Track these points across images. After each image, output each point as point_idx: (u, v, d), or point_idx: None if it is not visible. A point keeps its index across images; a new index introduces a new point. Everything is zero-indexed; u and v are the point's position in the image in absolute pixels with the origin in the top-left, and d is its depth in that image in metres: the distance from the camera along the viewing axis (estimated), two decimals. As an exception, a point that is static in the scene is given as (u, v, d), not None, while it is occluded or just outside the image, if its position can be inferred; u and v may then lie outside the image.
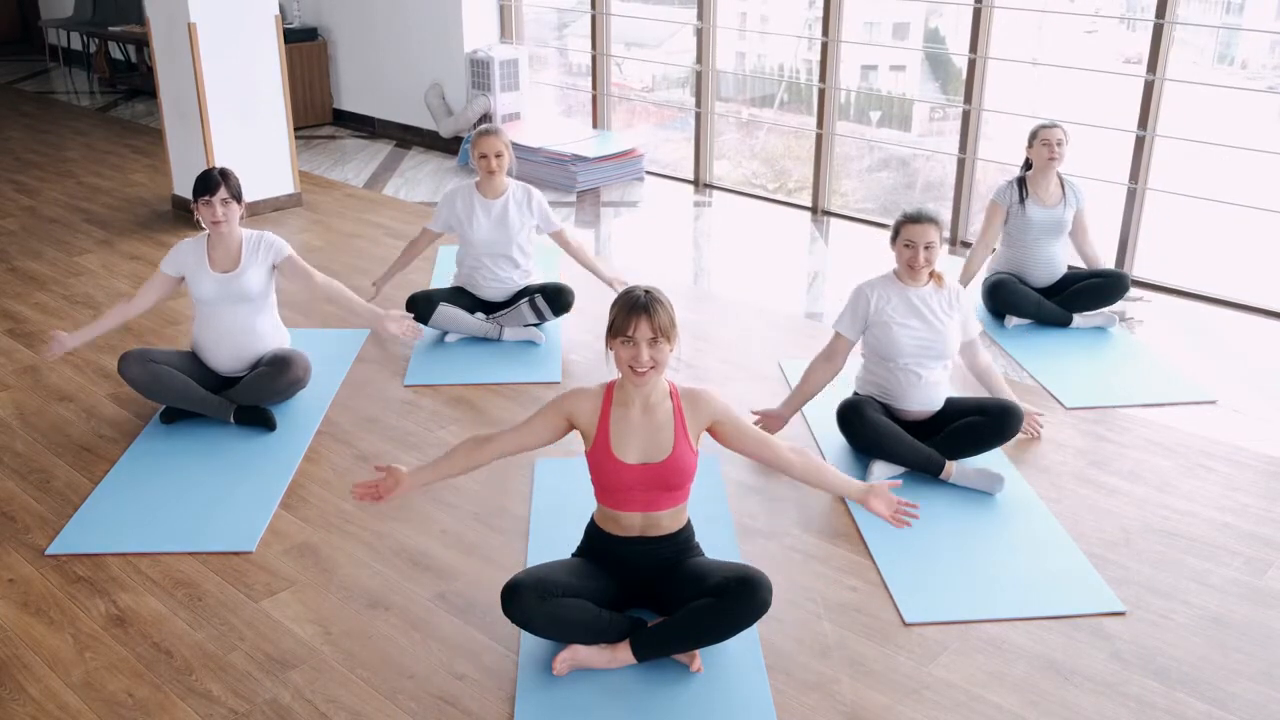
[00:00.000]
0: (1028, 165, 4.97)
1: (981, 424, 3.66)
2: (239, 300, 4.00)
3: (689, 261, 6.03)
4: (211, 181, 3.93)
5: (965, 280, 4.90)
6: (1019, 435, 3.82)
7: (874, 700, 2.73)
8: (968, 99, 5.98)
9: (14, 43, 12.35)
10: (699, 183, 7.28)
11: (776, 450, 2.93)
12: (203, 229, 4.04)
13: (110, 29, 10.20)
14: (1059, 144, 4.84)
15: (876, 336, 3.73)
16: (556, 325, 4.88)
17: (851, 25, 6.57)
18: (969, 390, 4.34)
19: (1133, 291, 5.05)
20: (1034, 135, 4.90)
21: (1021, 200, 4.90)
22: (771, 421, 3.84)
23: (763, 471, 3.74)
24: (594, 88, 7.77)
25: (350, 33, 8.64)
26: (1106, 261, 5.09)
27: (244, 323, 4.04)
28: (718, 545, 3.24)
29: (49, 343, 3.97)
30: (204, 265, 3.99)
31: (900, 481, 3.06)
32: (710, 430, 2.89)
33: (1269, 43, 6.84)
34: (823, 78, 6.51)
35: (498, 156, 4.63)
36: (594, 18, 7.57)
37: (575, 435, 2.91)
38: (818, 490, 3.62)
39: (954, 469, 3.64)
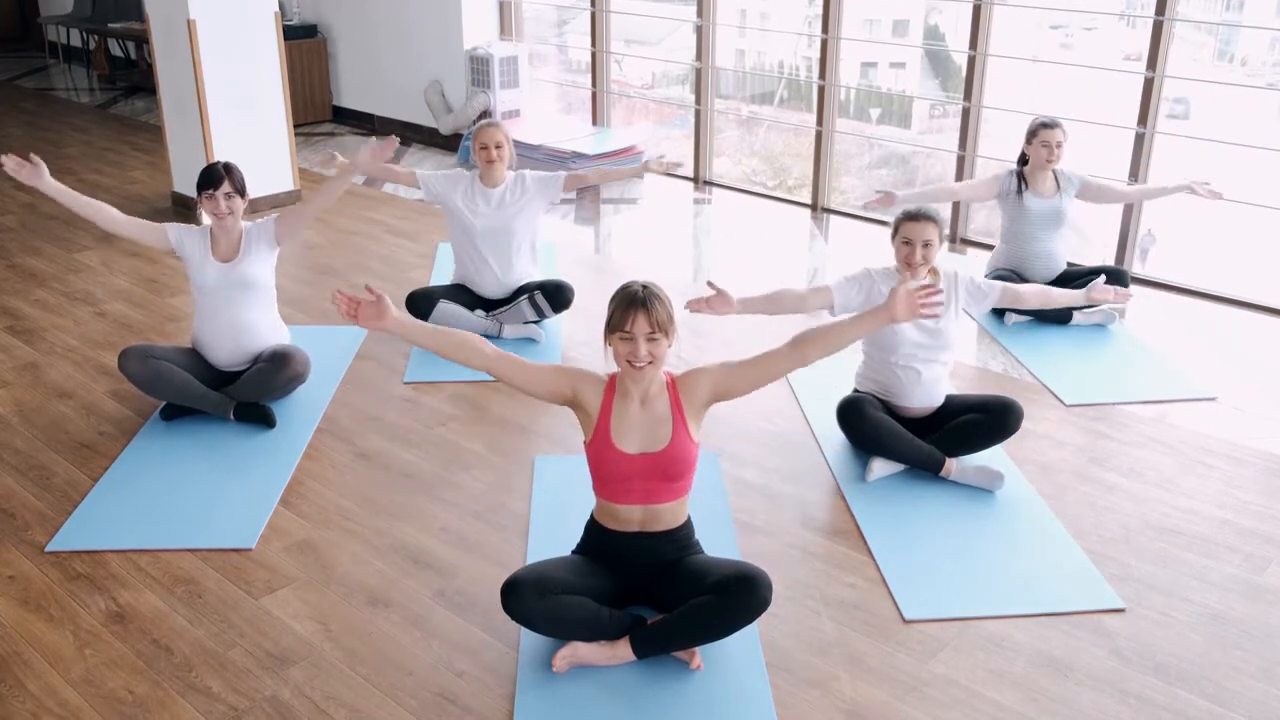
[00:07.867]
0: (1023, 160, 4.96)
1: (981, 421, 3.66)
2: (241, 288, 4.00)
3: (688, 259, 6.03)
4: (216, 175, 3.93)
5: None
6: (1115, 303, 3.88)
7: (873, 697, 2.73)
8: (968, 96, 5.98)
9: (13, 39, 12.32)
10: (699, 180, 7.28)
11: (778, 356, 2.84)
12: (204, 223, 4.05)
13: (110, 26, 10.20)
14: (1058, 145, 4.82)
15: (880, 329, 3.72)
16: (556, 322, 4.88)
17: (851, 22, 6.57)
18: (968, 387, 4.35)
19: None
20: (1033, 133, 4.87)
21: (1019, 191, 4.90)
22: (720, 303, 3.55)
23: (763, 469, 3.74)
24: (594, 85, 7.77)
25: (350, 30, 8.63)
26: (1144, 197, 5.14)
27: (244, 317, 4.04)
28: (717, 543, 3.24)
29: (30, 164, 3.94)
30: (208, 255, 4.00)
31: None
32: (716, 396, 2.86)
33: (1269, 39, 6.83)
34: (822, 75, 6.50)
35: (498, 147, 4.65)
36: (594, 15, 7.56)
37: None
38: (818, 484, 3.63)
39: (954, 466, 3.64)
